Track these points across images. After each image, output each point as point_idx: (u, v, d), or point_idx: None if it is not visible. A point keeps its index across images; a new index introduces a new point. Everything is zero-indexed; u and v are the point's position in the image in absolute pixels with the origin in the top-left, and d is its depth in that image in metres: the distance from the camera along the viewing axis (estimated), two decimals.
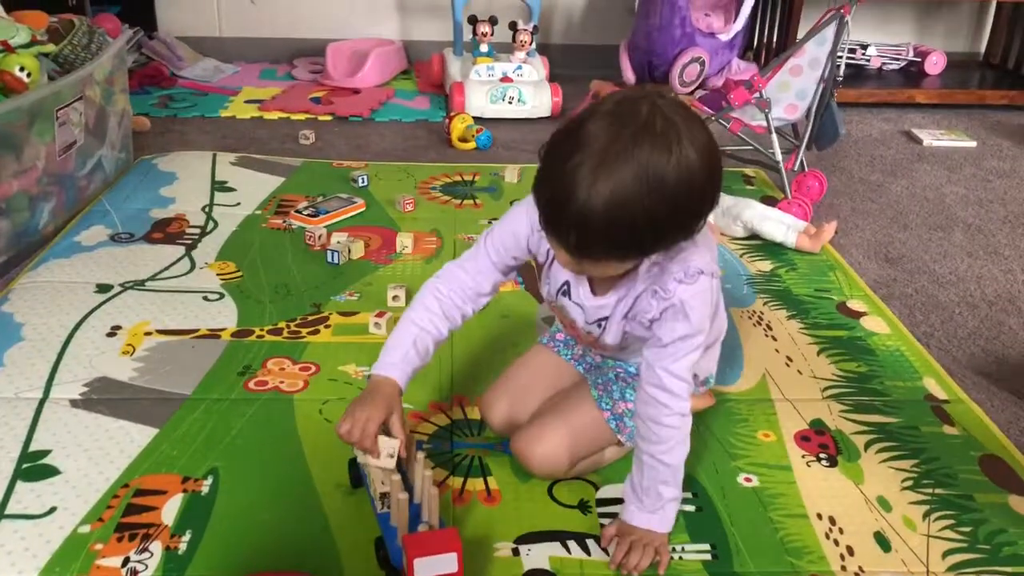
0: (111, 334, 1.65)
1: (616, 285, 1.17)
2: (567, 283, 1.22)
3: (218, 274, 1.89)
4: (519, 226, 1.23)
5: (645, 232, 0.99)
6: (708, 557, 1.19)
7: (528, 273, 1.88)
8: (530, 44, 3.13)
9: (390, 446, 1.14)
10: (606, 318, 1.20)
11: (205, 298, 1.80)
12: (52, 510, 1.22)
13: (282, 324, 1.71)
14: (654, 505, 1.18)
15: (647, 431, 1.16)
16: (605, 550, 1.20)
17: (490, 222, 2.17)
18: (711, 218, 2.18)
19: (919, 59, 3.60)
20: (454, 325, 1.26)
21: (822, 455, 1.40)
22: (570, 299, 1.23)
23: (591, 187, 0.95)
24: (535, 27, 3.18)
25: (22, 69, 1.97)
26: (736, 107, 2.29)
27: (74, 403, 1.45)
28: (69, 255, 1.94)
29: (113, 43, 2.31)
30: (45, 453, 1.34)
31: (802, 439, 1.44)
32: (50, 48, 2.12)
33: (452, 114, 2.84)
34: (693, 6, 3.24)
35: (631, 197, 0.96)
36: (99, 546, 1.17)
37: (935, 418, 1.51)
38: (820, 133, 2.36)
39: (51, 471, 1.30)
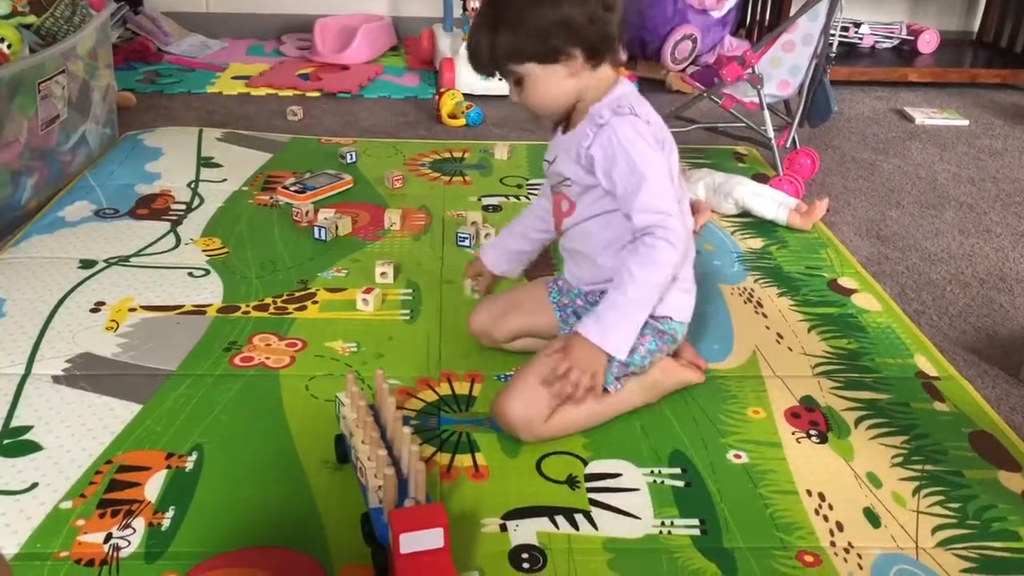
0: (95, 310, 1.63)
1: (571, 125, 1.35)
2: (556, 155, 1.38)
3: (204, 250, 1.87)
4: None
5: (547, 22, 1.22)
6: (697, 532, 1.19)
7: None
8: None
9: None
10: (556, 156, 1.37)
11: (190, 274, 1.77)
12: (33, 486, 1.21)
13: (268, 300, 1.69)
14: (610, 322, 1.25)
15: (636, 250, 1.27)
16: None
17: (479, 199, 2.16)
18: (702, 194, 2.18)
19: (912, 37, 3.58)
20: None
21: (812, 432, 1.40)
22: (546, 157, 1.41)
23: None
24: None
25: (2, 40, 1.93)
26: (728, 83, 2.27)
27: (56, 379, 1.43)
28: (52, 230, 1.92)
29: (96, 16, 2.28)
30: (27, 429, 1.32)
31: (792, 416, 1.43)
32: (31, 20, 2.09)
33: (442, 90, 2.81)
34: None
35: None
36: (81, 522, 1.15)
37: (926, 395, 1.50)
38: (812, 110, 2.35)
39: (33, 447, 1.28)
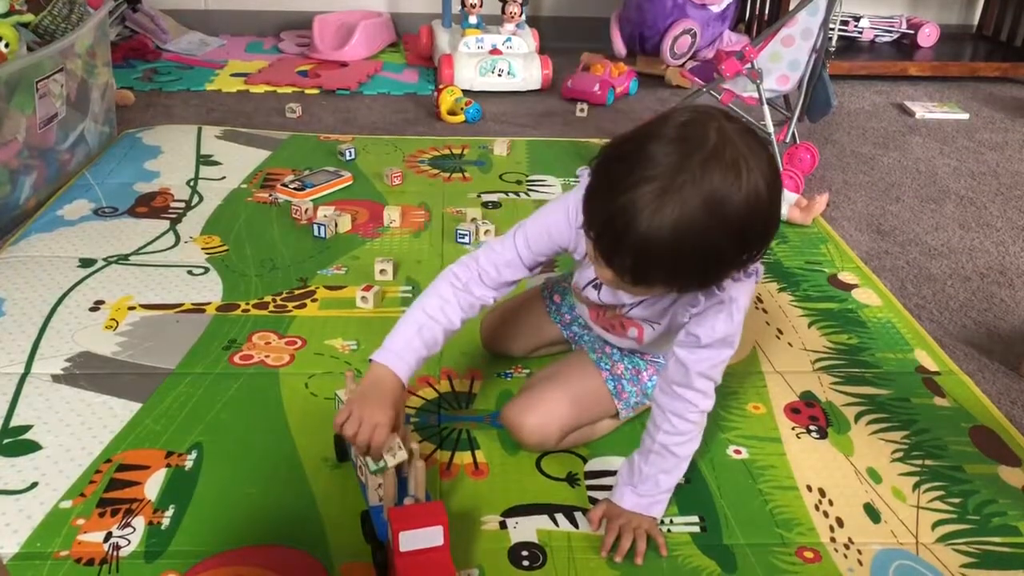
0: (94, 309, 1.63)
1: None
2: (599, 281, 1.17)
3: (203, 248, 1.87)
4: (557, 227, 1.17)
5: (709, 264, 0.96)
6: (697, 529, 1.19)
7: None
8: (520, 16, 3.09)
9: (393, 445, 1.09)
10: (642, 300, 1.17)
11: (190, 272, 1.77)
12: (33, 485, 1.21)
13: (268, 298, 1.69)
14: (649, 492, 1.16)
15: (665, 422, 1.13)
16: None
17: (479, 195, 2.16)
18: None
19: (912, 31, 3.57)
20: (469, 314, 1.20)
21: (812, 427, 1.39)
22: (599, 292, 1.21)
23: (656, 213, 0.89)
24: None
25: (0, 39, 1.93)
26: (727, 78, 2.26)
27: (56, 378, 1.43)
28: (51, 229, 1.92)
29: (94, 14, 2.27)
30: (26, 428, 1.32)
31: (792, 411, 1.43)
32: (29, 18, 2.08)
33: (441, 87, 2.80)
34: None
35: (699, 227, 0.90)
36: (81, 521, 1.15)
37: (926, 390, 1.50)
38: (812, 105, 2.34)
39: (32, 446, 1.28)
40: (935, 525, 1.21)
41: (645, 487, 1.16)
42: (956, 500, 1.26)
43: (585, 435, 1.33)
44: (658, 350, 1.31)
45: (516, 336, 1.50)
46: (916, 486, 1.28)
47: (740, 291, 1.07)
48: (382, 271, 1.76)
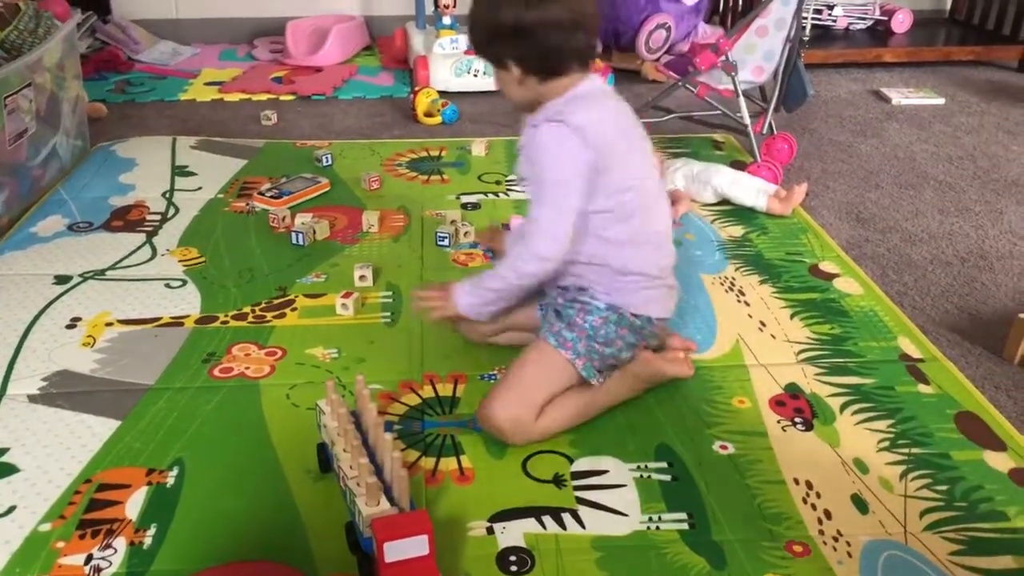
0: (71, 326, 1.61)
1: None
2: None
3: (180, 260, 1.85)
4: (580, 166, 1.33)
5: (488, 38, 1.31)
6: (685, 526, 1.18)
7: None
8: None
9: None
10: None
11: (167, 285, 1.75)
12: (11, 509, 1.19)
13: (247, 309, 1.68)
14: (472, 286, 1.38)
15: (520, 246, 1.34)
16: None
17: (458, 197, 2.15)
18: (680, 184, 2.17)
19: (885, 18, 3.58)
20: None
21: (797, 419, 1.39)
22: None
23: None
24: None
25: None
26: (702, 71, 2.26)
27: (32, 398, 1.41)
28: (25, 247, 1.89)
29: (62, 27, 2.24)
30: (3, 451, 1.30)
31: (777, 404, 1.43)
32: None
33: (417, 89, 2.79)
34: None
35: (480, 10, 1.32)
36: (60, 544, 1.13)
37: (910, 377, 1.50)
38: (788, 95, 2.34)
39: (9, 469, 1.26)
40: (923, 513, 1.21)
41: (475, 280, 1.39)
42: (943, 488, 1.25)
43: (568, 416, 1.33)
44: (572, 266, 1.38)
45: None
46: (903, 475, 1.28)
47: (546, 131, 1.29)
48: (362, 277, 1.74)
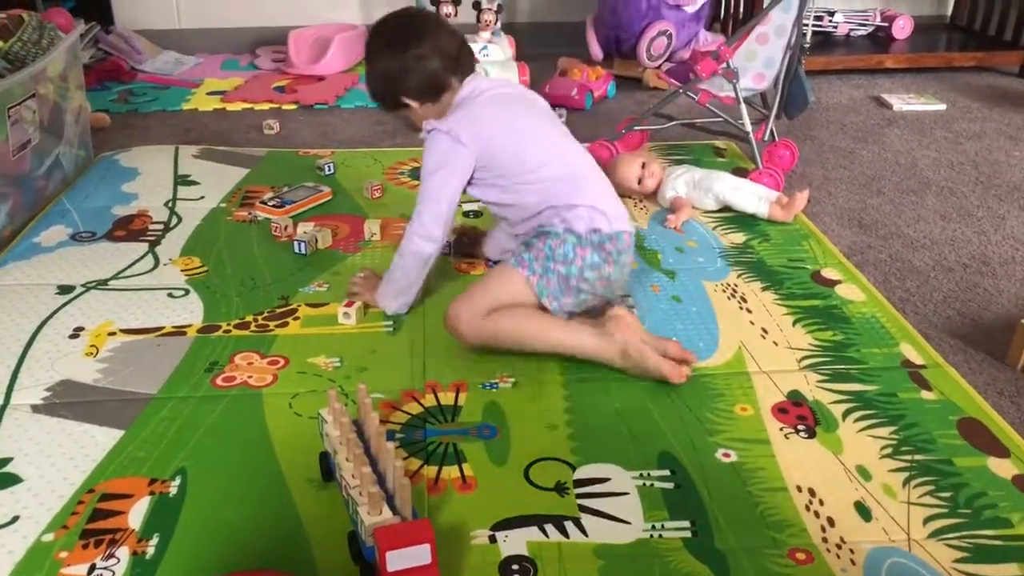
0: (74, 336, 1.61)
1: None
2: None
3: (183, 270, 1.85)
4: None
5: (385, 88, 1.64)
6: (688, 534, 1.18)
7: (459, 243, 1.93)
8: (495, 23, 3.09)
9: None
10: None
11: (170, 295, 1.76)
12: (14, 519, 1.19)
13: (249, 318, 1.68)
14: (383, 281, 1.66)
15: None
16: None
17: (460, 205, 2.14)
18: (682, 191, 2.17)
19: (886, 24, 3.58)
20: None
21: (800, 427, 1.39)
22: None
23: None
24: (500, 6, 3.14)
25: None
26: (704, 78, 2.26)
27: (36, 408, 1.42)
28: (29, 257, 1.90)
29: (65, 38, 2.25)
30: (6, 461, 1.30)
31: (780, 411, 1.43)
32: None
33: None
34: None
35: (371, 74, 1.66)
36: (64, 554, 1.13)
37: (912, 384, 1.50)
38: (789, 102, 2.34)
39: (12, 479, 1.26)
40: (927, 520, 1.21)
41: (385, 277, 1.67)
42: (947, 494, 1.25)
43: (523, 323, 1.50)
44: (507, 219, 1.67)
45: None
46: (906, 482, 1.27)
47: (429, 138, 1.58)
48: (345, 314, 1.65)
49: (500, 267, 1.59)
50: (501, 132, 1.58)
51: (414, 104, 1.62)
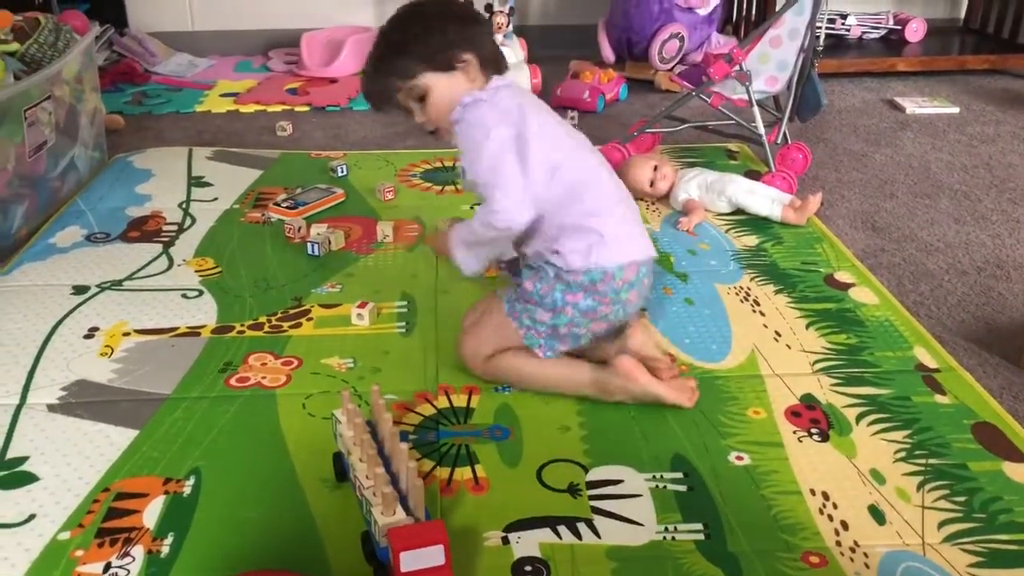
0: (88, 336, 1.62)
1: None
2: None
3: (196, 271, 1.86)
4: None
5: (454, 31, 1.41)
6: (701, 537, 1.18)
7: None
8: (507, 26, 3.09)
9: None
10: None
11: (184, 295, 1.77)
12: (31, 518, 1.20)
13: (263, 319, 1.69)
14: (459, 233, 1.48)
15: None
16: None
17: (473, 207, 2.16)
18: (695, 193, 2.17)
19: (899, 27, 3.57)
20: None
21: (814, 430, 1.39)
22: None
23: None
24: (512, 8, 3.14)
25: None
26: (716, 81, 2.26)
27: (51, 408, 1.43)
28: (44, 257, 1.91)
29: (81, 40, 2.27)
30: (23, 460, 1.31)
31: (793, 415, 1.42)
32: (15, 47, 2.08)
33: None
34: None
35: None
36: (79, 553, 1.14)
37: (926, 388, 1.49)
38: (802, 104, 2.34)
39: (29, 478, 1.27)
40: (941, 525, 1.20)
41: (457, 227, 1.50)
42: (961, 499, 1.25)
43: (510, 368, 1.45)
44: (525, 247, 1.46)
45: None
46: (920, 486, 1.27)
47: (468, 113, 1.40)
48: (359, 315, 1.66)
49: (499, 310, 1.46)
50: (532, 115, 1.41)
51: (474, 63, 1.41)
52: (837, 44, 3.50)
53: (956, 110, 2.97)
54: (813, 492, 1.26)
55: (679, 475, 1.29)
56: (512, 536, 1.17)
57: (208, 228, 2.06)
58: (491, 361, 1.46)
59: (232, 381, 1.50)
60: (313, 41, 3.34)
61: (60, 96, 2.14)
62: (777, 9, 2.31)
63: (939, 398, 1.47)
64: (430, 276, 1.84)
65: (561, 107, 2.93)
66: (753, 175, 2.27)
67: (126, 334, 1.63)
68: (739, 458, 1.32)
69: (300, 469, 1.29)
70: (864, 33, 3.59)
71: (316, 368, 1.53)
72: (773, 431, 1.38)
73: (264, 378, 1.50)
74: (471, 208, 2.15)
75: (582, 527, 1.19)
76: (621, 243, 1.41)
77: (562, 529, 1.19)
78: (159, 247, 1.96)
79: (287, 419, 1.40)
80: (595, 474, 1.29)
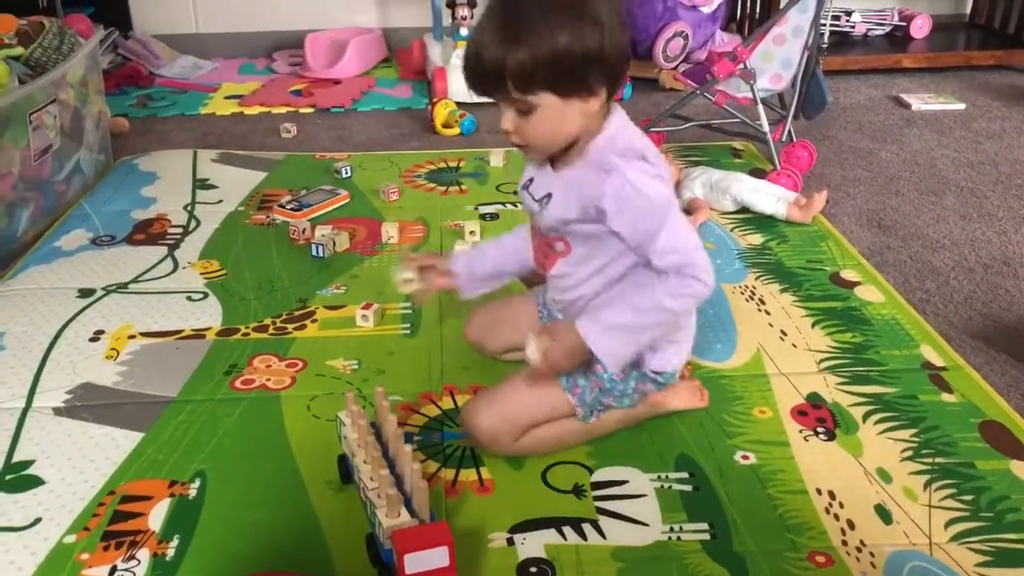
0: (94, 339, 1.63)
1: (566, 162, 1.23)
2: (532, 178, 1.29)
3: (202, 273, 1.87)
4: None
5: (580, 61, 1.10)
6: (707, 536, 1.17)
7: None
8: (471, 19, 3.08)
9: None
10: (550, 194, 1.24)
11: (189, 298, 1.77)
12: (37, 521, 1.20)
13: (268, 321, 1.69)
14: (601, 320, 1.19)
15: (665, 280, 1.18)
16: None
17: (476, 208, 2.16)
18: (699, 192, 2.17)
19: (904, 23, 3.56)
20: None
21: (820, 429, 1.38)
22: (530, 190, 1.29)
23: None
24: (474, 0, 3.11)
25: None
26: (720, 79, 2.26)
27: (57, 411, 1.43)
28: (50, 261, 1.91)
29: (85, 44, 2.27)
30: (29, 463, 1.31)
31: (799, 414, 1.42)
32: (19, 51, 2.09)
33: (435, 100, 2.80)
34: None
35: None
36: (85, 556, 1.14)
37: (933, 386, 1.49)
38: (807, 102, 2.33)
39: (35, 481, 1.27)
40: (948, 524, 1.19)
41: (604, 314, 1.20)
42: (968, 498, 1.24)
43: (550, 441, 1.31)
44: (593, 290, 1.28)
45: (499, 326, 1.49)
46: (927, 485, 1.26)
47: (632, 170, 1.15)
48: (363, 316, 1.66)
49: (551, 386, 1.28)
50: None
51: (598, 99, 1.15)
52: (842, 41, 3.49)
53: (962, 106, 2.95)
54: (819, 491, 1.25)
55: (684, 475, 1.28)
56: (517, 537, 1.17)
57: (213, 230, 2.06)
58: (525, 440, 1.28)
59: (237, 383, 1.50)
60: (317, 42, 3.34)
61: (65, 100, 2.14)
62: (781, 6, 2.31)
63: (946, 396, 1.46)
64: None
65: None
66: (758, 173, 2.26)
67: (131, 337, 1.63)
68: (745, 458, 1.32)
69: (305, 471, 1.29)
70: (869, 30, 3.58)
71: (321, 370, 1.53)
72: (779, 430, 1.38)
73: (269, 380, 1.50)
74: (474, 209, 2.15)
75: (587, 528, 1.19)
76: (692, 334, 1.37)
77: (567, 530, 1.19)
78: (164, 250, 1.97)
79: (292, 421, 1.40)
80: (600, 475, 1.29)
